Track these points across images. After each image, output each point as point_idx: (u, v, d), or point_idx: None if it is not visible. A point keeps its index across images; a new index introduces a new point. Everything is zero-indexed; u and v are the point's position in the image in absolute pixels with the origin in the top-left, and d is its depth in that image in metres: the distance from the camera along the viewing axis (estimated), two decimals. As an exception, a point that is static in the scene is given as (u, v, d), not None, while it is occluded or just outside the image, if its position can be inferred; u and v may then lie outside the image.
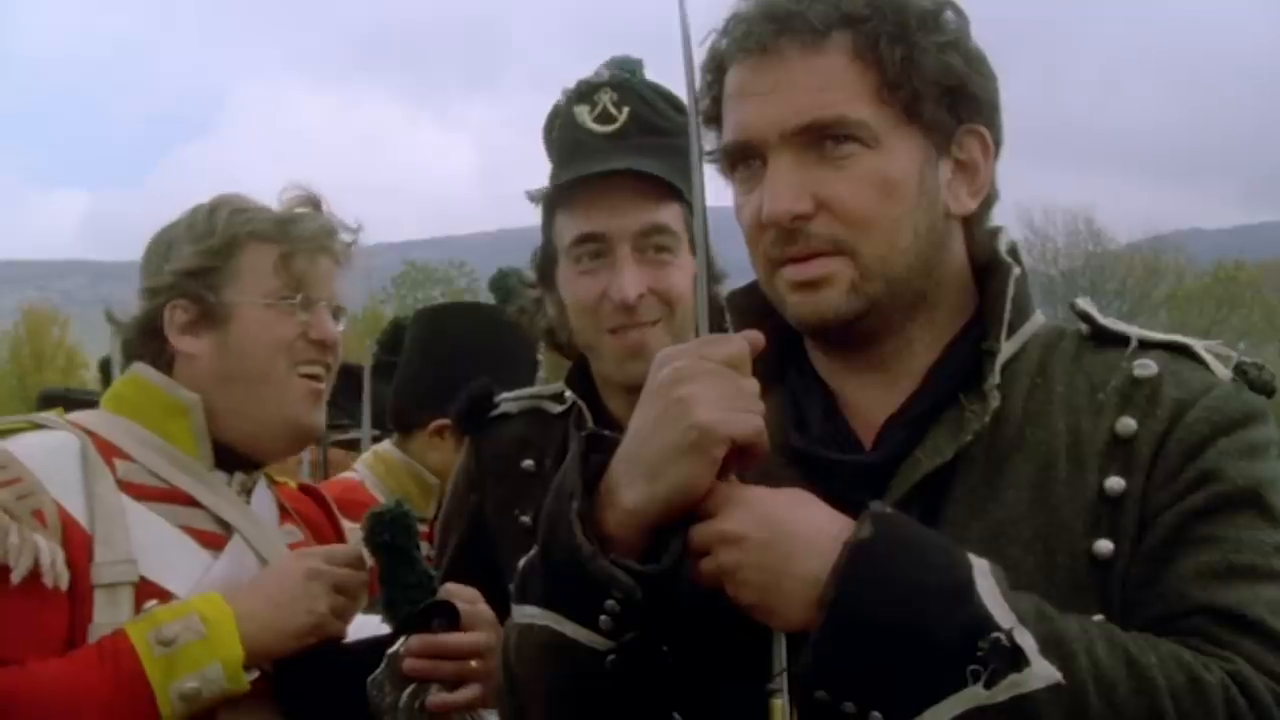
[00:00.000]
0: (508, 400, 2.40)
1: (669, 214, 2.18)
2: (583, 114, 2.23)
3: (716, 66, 1.54)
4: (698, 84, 1.54)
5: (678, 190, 2.14)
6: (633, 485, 1.39)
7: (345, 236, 2.29)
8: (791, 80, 1.46)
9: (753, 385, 1.41)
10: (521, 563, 1.54)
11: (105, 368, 7.56)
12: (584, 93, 2.25)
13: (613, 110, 2.21)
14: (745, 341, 1.43)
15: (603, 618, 1.41)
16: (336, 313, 2.25)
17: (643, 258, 2.18)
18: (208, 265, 2.17)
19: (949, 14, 1.50)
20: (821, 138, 1.46)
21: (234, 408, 2.17)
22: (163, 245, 2.25)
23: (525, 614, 1.49)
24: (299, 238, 2.20)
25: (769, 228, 1.48)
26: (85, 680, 1.90)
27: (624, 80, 2.24)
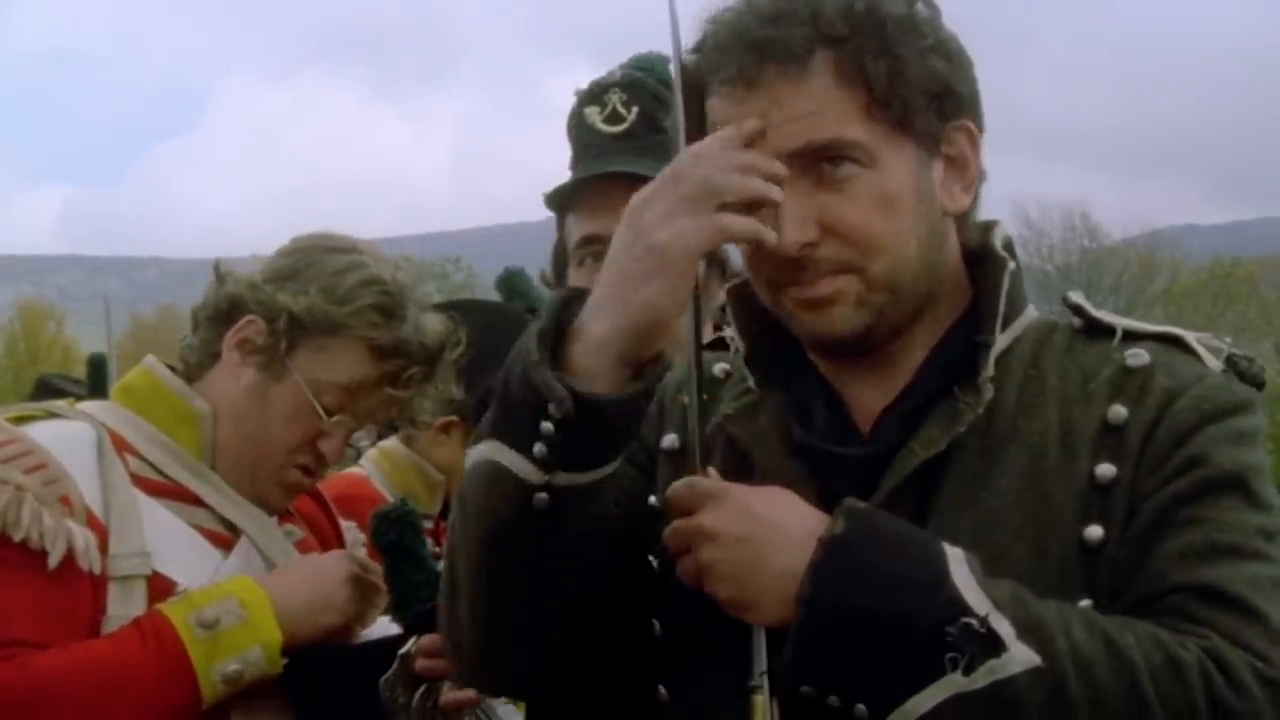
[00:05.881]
0: None
1: None
2: (592, 115, 2.25)
3: (695, 89, 1.51)
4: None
5: None
6: (602, 315, 1.39)
7: (435, 395, 2.23)
8: (780, 109, 1.45)
9: (740, 159, 1.40)
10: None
11: (97, 365, 7.48)
12: (594, 94, 2.27)
13: (621, 110, 2.23)
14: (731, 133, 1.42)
15: (537, 446, 1.38)
16: (361, 429, 2.23)
17: None
18: (307, 323, 2.12)
19: (920, 7, 1.50)
20: (817, 160, 1.46)
21: (228, 445, 2.16)
22: (306, 258, 2.17)
23: (473, 453, 1.47)
24: (395, 384, 2.15)
25: (774, 256, 1.47)
26: (129, 661, 1.91)
27: (635, 79, 2.25)
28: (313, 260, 2.17)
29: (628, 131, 2.22)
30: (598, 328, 1.39)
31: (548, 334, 1.40)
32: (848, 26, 1.44)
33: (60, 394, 6.63)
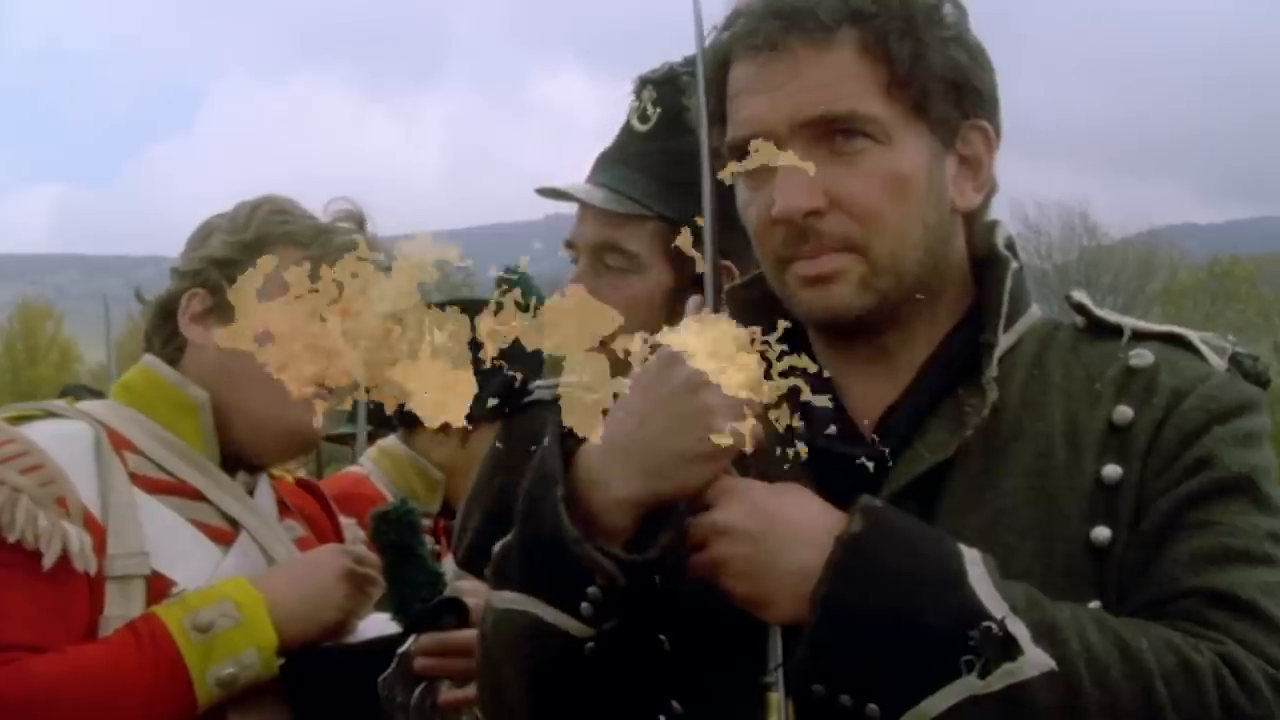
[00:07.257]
0: (541, 388, 2.43)
1: (633, 234, 2.20)
2: (629, 110, 2.29)
3: (720, 64, 1.53)
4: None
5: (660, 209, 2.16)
6: (630, 479, 1.40)
7: (381, 258, 2.28)
8: (801, 77, 1.46)
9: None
10: (497, 546, 1.54)
11: None
12: (637, 88, 2.30)
13: (649, 109, 2.25)
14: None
15: (584, 605, 1.41)
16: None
17: (603, 272, 2.22)
18: (234, 258, 2.17)
19: (949, 7, 1.51)
20: (831, 132, 1.46)
21: (237, 406, 2.17)
22: (204, 231, 2.26)
23: (504, 599, 1.49)
24: (330, 249, 2.19)
25: (779, 225, 1.48)
26: (125, 666, 1.91)
27: (671, 76, 2.26)
28: (206, 226, 2.28)
29: (650, 132, 2.24)
30: (628, 488, 1.40)
31: (569, 496, 1.41)
32: (876, 5, 1.46)
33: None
